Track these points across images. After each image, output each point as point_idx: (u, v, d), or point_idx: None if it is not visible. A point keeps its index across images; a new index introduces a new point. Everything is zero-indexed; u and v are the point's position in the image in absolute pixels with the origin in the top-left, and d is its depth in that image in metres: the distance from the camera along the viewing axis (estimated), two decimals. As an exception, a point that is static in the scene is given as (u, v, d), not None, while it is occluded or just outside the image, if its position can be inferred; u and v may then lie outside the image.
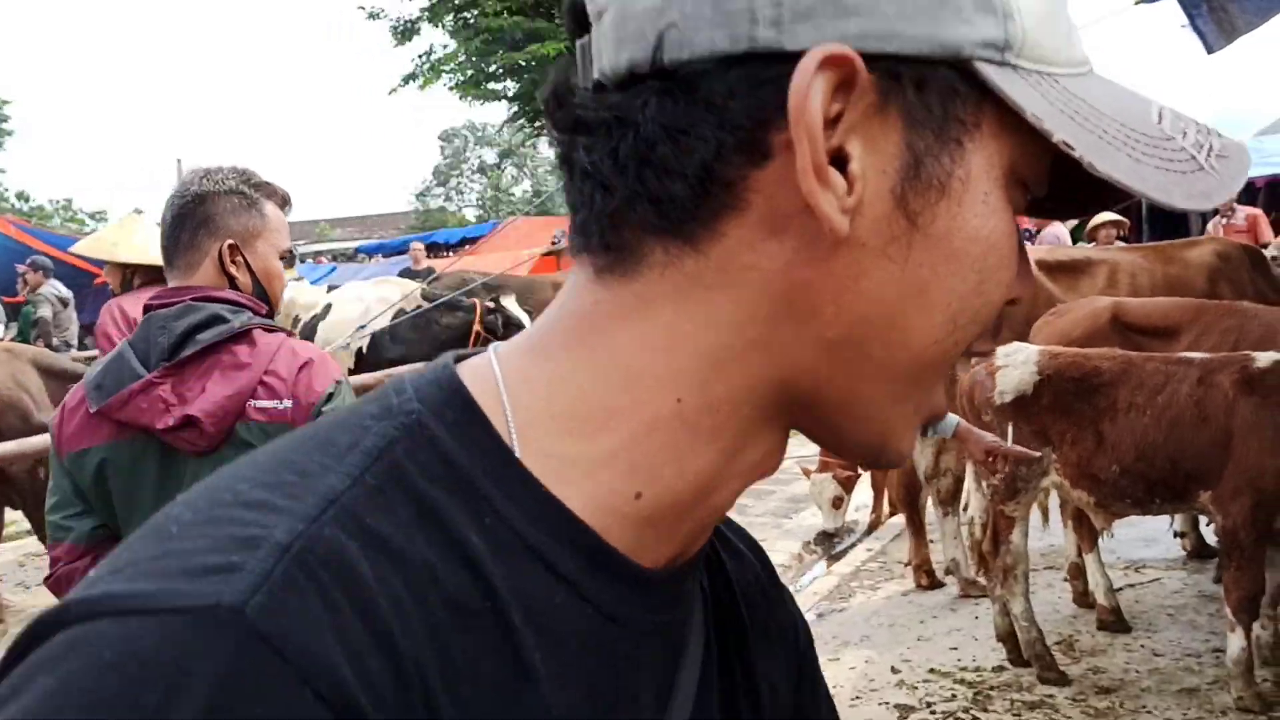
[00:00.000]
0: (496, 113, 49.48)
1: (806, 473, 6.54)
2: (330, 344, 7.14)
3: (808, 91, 0.46)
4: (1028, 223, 16.47)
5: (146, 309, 2.07)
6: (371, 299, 8.19)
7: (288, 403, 2.03)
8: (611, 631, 0.52)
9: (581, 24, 0.54)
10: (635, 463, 0.53)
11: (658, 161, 0.49)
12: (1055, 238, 9.74)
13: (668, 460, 0.53)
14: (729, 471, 0.55)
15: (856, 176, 0.49)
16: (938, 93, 0.49)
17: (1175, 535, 5.70)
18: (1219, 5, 6.45)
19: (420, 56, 24.96)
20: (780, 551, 6.41)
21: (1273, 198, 13.20)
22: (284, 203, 2.20)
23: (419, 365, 0.58)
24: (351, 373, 6.10)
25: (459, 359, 0.56)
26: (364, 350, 7.86)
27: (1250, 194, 12.09)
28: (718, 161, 0.49)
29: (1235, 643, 4.01)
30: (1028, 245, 8.51)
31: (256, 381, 2.01)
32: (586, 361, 0.53)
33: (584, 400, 0.53)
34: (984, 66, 0.49)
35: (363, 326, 7.78)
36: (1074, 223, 14.33)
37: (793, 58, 0.47)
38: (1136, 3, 6.57)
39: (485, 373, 0.54)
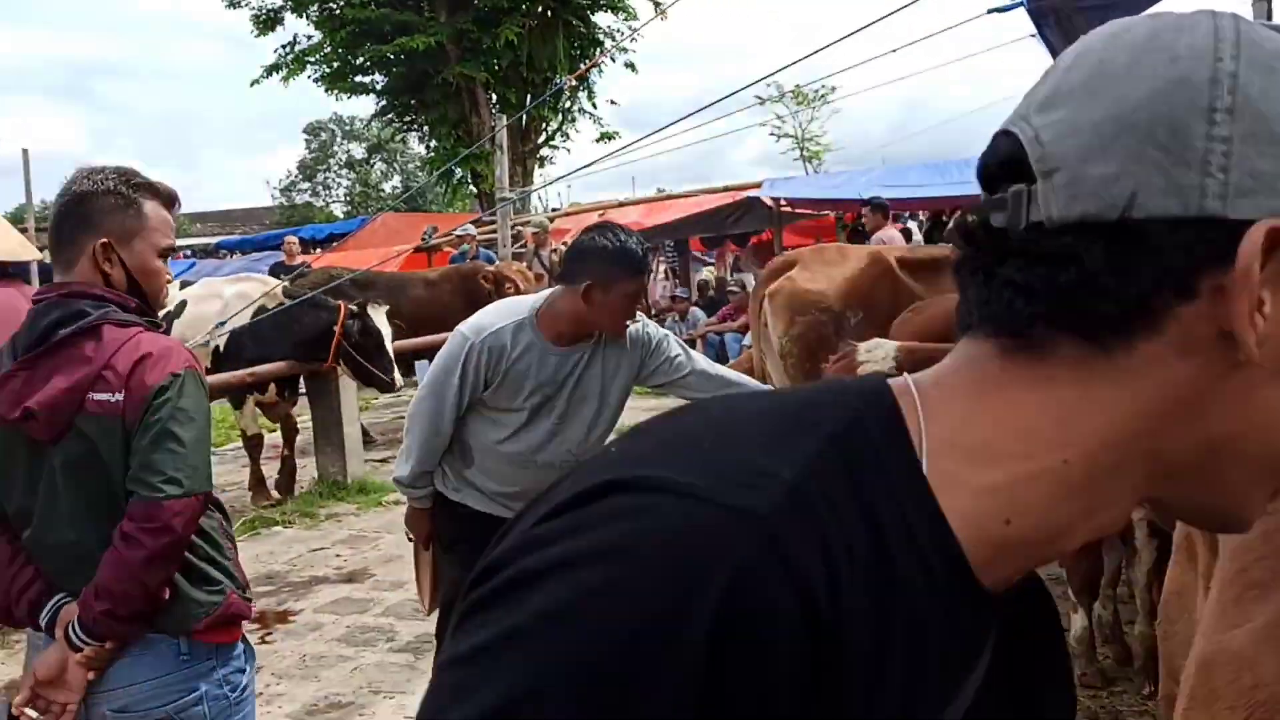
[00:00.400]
0: (365, 106, 48.43)
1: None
2: (186, 342, 6.88)
3: (1254, 253, 0.59)
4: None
5: (34, 303, 2.20)
6: (230, 295, 7.91)
7: (119, 395, 2.08)
8: (944, 631, 0.63)
9: (992, 182, 0.67)
10: (1013, 499, 0.64)
11: (1098, 288, 0.61)
12: (891, 238, 10.03)
13: (1038, 504, 0.64)
14: (1082, 526, 0.66)
15: (1268, 316, 0.61)
16: None
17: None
18: (1065, 16, 6.74)
19: (284, 47, 24.29)
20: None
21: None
22: (170, 201, 2.27)
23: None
24: (209, 372, 5.89)
25: (886, 377, 0.70)
26: (221, 349, 7.59)
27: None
28: (1152, 294, 0.61)
29: (1078, 623, 4.21)
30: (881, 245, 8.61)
31: (95, 375, 2.09)
32: (989, 412, 0.65)
33: (982, 440, 0.65)
34: None
35: (222, 324, 7.53)
36: (910, 223, 14.83)
37: (1232, 224, 0.60)
38: (990, 11, 6.83)
39: (907, 398, 0.67)
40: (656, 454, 0.62)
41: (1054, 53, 6.37)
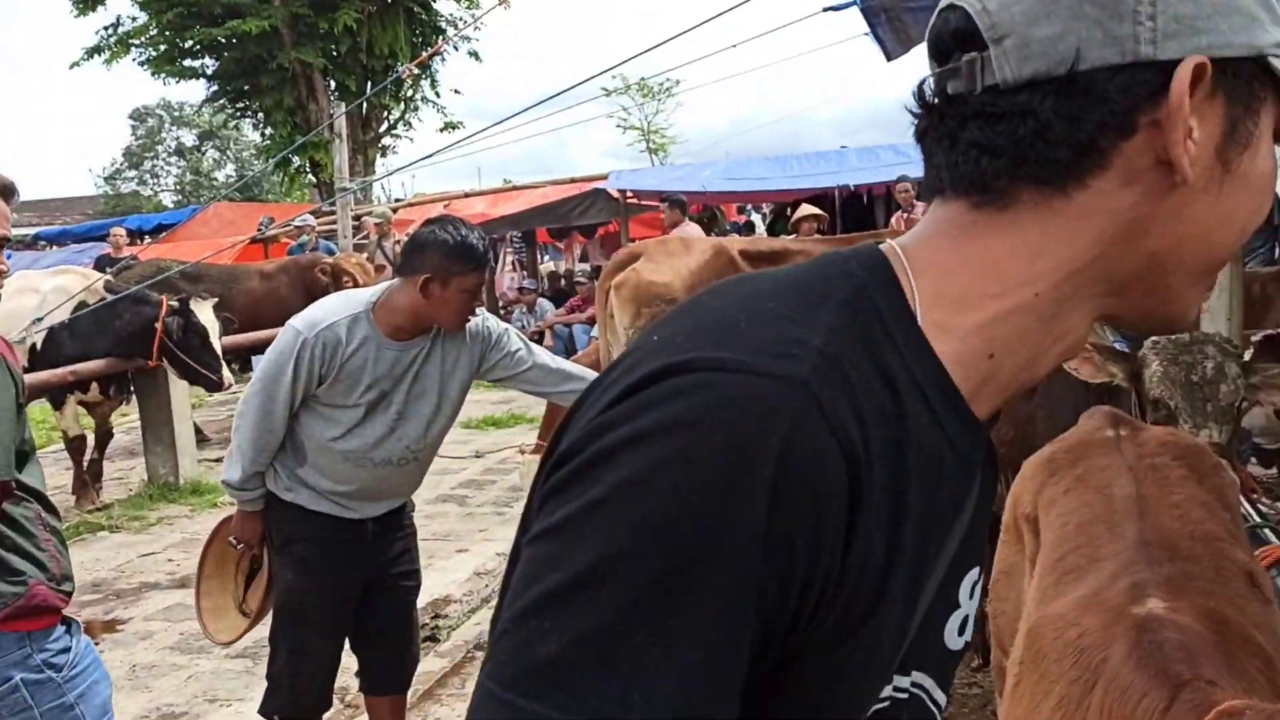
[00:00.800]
0: (195, 91, 46.40)
1: (523, 451, 6.53)
2: (-1, 339, 6.45)
3: (1184, 89, 0.69)
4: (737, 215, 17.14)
5: None
6: (48, 290, 7.45)
7: None
8: (951, 456, 0.74)
9: (944, 54, 0.75)
10: (994, 335, 0.75)
11: (1052, 137, 0.70)
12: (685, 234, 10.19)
13: (1015, 336, 0.75)
14: (1051, 351, 0.77)
15: (1197, 141, 0.71)
16: (1247, 79, 0.72)
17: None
18: (896, 15, 6.95)
19: (106, 29, 23.05)
20: (501, 540, 6.40)
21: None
22: (7, 192, 2.23)
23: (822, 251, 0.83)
24: (25, 371, 5.54)
25: (877, 241, 0.80)
26: (38, 346, 7.16)
27: (927, 191, 13.16)
28: (1099, 135, 0.70)
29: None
30: (722, 239, 8.74)
31: None
32: (967, 262, 0.75)
33: (963, 288, 0.75)
34: (1274, 60, 0.72)
35: (39, 319, 7.10)
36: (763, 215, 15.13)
37: (1161, 64, 0.69)
38: (825, 9, 6.99)
39: (897, 261, 0.76)
40: (701, 336, 0.68)
41: (886, 51, 6.57)
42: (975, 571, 0.86)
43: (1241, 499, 2.82)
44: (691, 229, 9.91)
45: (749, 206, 17.78)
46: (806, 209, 10.81)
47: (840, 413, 0.65)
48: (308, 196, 25.79)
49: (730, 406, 0.63)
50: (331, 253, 11.19)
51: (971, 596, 0.86)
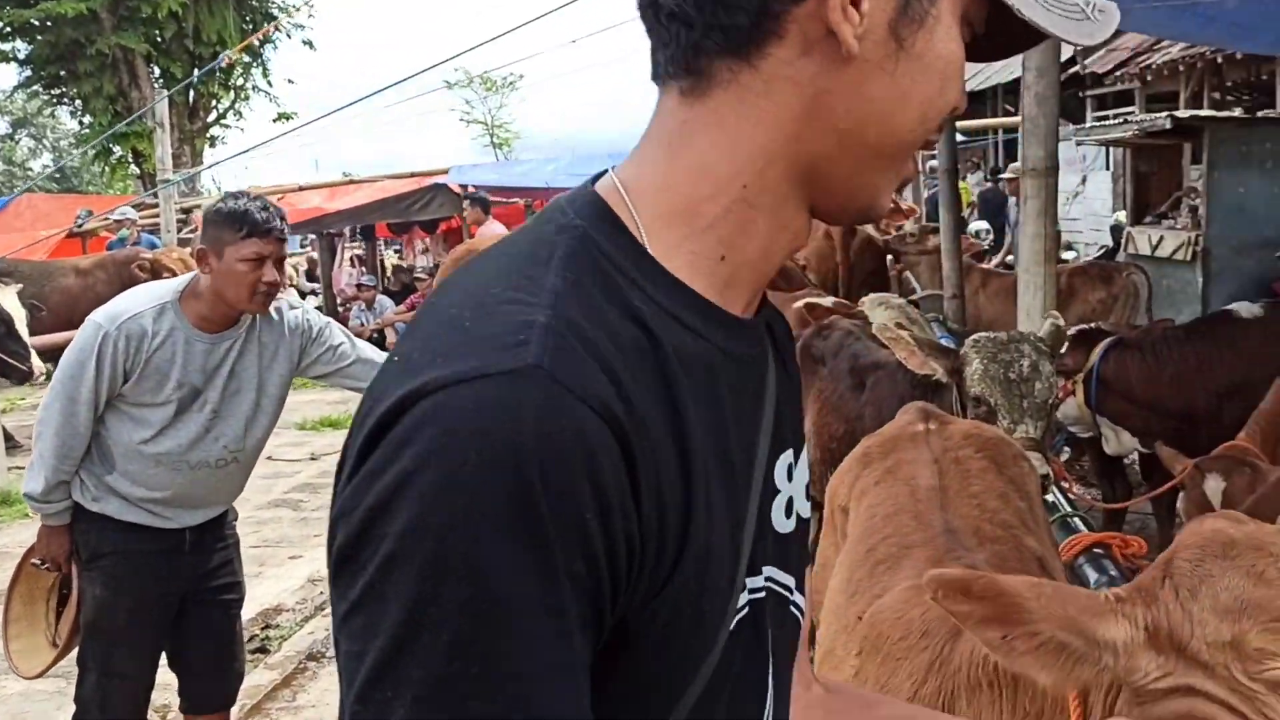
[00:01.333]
0: (6, 76, 43.60)
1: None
2: None
3: None
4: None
5: None
6: None
7: None
8: (725, 361, 0.77)
9: None
10: (720, 237, 0.77)
11: (730, 1, 0.73)
12: (493, 233, 10.18)
13: (739, 232, 0.77)
14: (779, 241, 0.80)
15: (865, 13, 0.73)
16: None
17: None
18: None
19: (-100, 5, 21.39)
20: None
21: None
22: None
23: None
24: None
25: (594, 180, 0.80)
26: None
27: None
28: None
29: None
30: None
31: None
32: (679, 169, 0.77)
33: (682, 199, 0.77)
34: None
35: None
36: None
37: None
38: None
39: (614, 195, 0.77)
40: (431, 351, 0.68)
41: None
42: (789, 453, 0.88)
43: (1055, 489, 2.95)
44: (498, 227, 9.83)
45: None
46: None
47: (587, 380, 0.66)
48: (132, 188, 24.61)
49: (475, 419, 0.63)
50: (154, 247, 10.72)
51: (790, 479, 0.88)
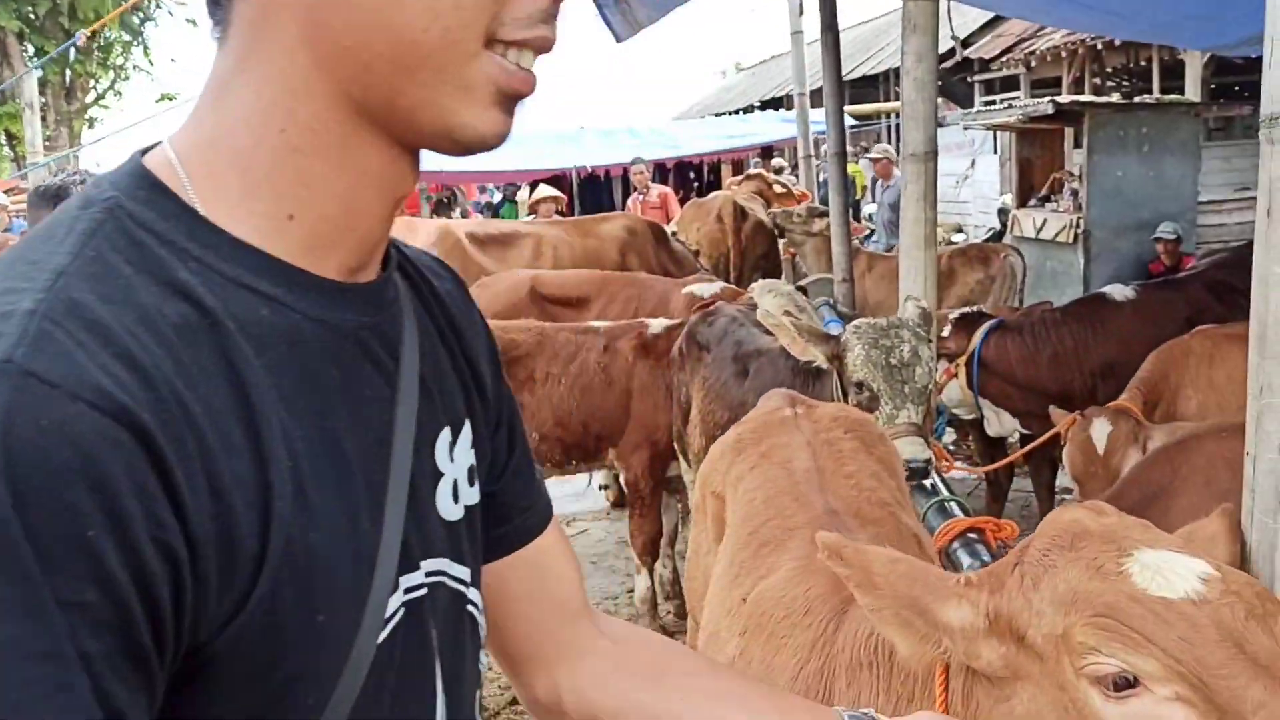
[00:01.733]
0: None
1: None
2: None
3: None
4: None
5: None
6: None
7: None
8: (324, 332, 0.69)
9: None
10: (278, 191, 0.69)
11: None
12: None
13: (302, 184, 0.69)
14: (361, 191, 0.71)
15: None
16: None
17: (600, 488, 6.17)
18: (623, 0, 6.99)
19: None
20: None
21: (682, 178, 14.84)
22: None
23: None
24: None
25: (144, 151, 0.71)
26: None
27: (662, 174, 13.47)
28: None
29: (641, 582, 4.42)
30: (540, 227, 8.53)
31: None
32: (221, 122, 0.70)
33: (229, 152, 0.69)
34: None
35: None
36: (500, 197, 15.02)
37: None
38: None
39: (164, 155, 0.69)
40: None
41: (615, 33, 6.60)
42: (447, 432, 0.80)
43: (934, 473, 2.97)
44: None
45: (490, 186, 17.58)
46: (545, 190, 10.78)
47: (80, 370, 0.56)
48: (8, 172, 23.55)
49: None
50: (24, 232, 10.21)
51: (453, 459, 0.80)
